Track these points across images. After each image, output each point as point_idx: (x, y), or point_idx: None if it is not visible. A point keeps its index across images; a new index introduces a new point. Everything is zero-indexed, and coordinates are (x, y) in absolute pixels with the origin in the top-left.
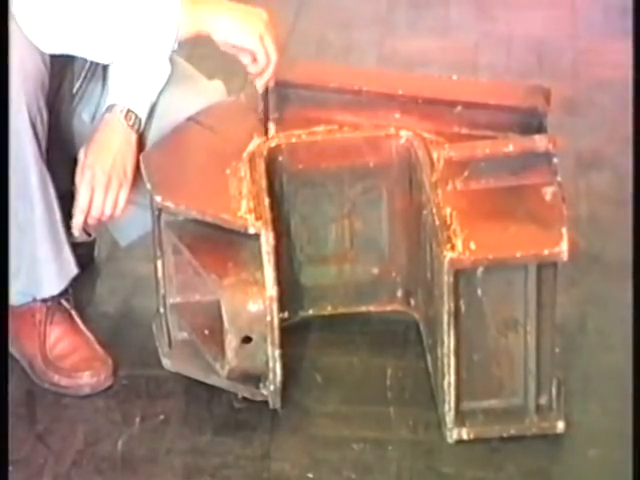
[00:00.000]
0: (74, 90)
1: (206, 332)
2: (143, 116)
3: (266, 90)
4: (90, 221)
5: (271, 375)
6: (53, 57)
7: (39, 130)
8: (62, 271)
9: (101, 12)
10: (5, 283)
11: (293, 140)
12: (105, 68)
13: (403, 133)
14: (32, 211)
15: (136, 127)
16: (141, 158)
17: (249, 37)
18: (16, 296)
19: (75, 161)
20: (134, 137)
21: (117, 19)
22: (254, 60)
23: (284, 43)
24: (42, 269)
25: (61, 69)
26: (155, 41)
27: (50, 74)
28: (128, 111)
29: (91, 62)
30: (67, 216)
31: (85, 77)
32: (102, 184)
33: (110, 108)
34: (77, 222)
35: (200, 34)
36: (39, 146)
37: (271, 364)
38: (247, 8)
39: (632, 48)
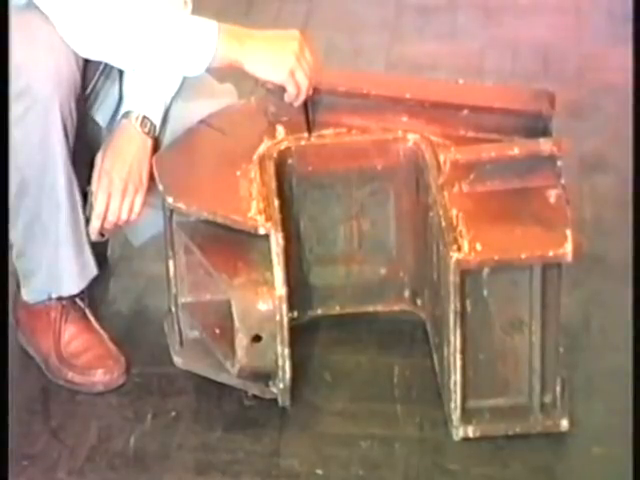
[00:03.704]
0: (87, 92)
1: (217, 331)
2: (158, 122)
3: (305, 102)
4: (107, 226)
5: (280, 373)
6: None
7: (69, 132)
8: (83, 271)
9: (141, 26)
10: (5, 283)
11: (302, 143)
12: (121, 73)
13: (410, 136)
14: (58, 211)
15: (151, 133)
16: (153, 160)
17: (278, 74)
18: (33, 294)
19: (87, 164)
20: (149, 143)
21: (156, 36)
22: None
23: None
24: (63, 268)
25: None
26: (187, 65)
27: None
28: (144, 118)
29: (105, 65)
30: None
31: (98, 80)
32: (119, 190)
33: (126, 115)
34: (94, 227)
35: (232, 66)
36: (68, 148)
37: (280, 362)
38: (279, 39)
39: (632, 52)
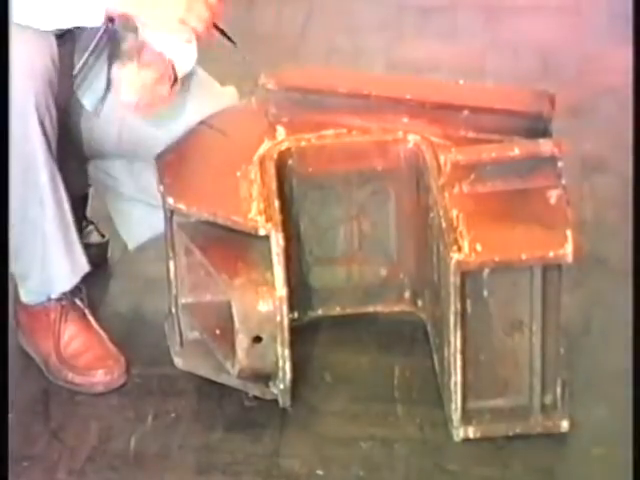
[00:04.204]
0: (74, 72)
1: (217, 332)
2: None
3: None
4: (140, 102)
5: (281, 374)
6: (61, 55)
7: (48, 128)
8: (74, 268)
9: None
10: (5, 283)
11: (303, 144)
12: (110, 57)
13: (411, 137)
14: (42, 209)
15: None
16: (154, 160)
17: (166, 26)
18: (30, 295)
19: (78, 158)
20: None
21: None
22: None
23: (294, 48)
24: (54, 266)
25: (71, 68)
26: (82, 13)
27: (61, 72)
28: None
29: (94, 46)
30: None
31: (86, 61)
32: (167, 74)
33: None
34: (132, 98)
35: (126, 16)
36: (48, 144)
37: (281, 363)
38: None
39: (632, 54)
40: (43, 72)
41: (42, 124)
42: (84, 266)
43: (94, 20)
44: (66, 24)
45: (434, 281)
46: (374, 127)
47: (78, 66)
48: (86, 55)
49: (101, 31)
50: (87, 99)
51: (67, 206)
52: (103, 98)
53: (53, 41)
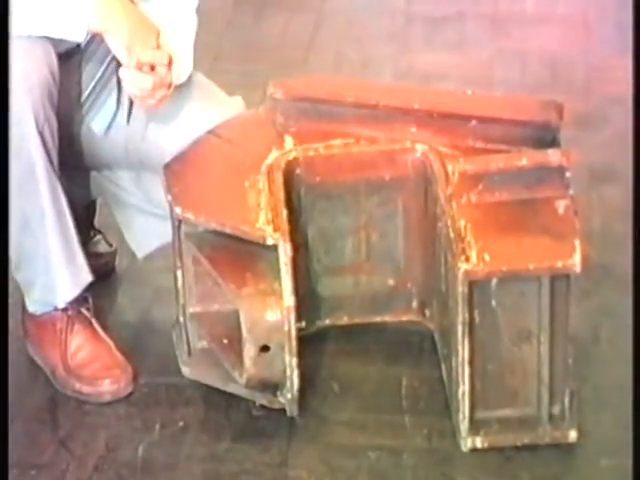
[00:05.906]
0: (82, 99)
1: (225, 341)
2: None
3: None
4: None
5: (288, 383)
6: (68, 68)
7: (47, 139)
8: (76, 278)
9: None
10: (5, 284)
11: (310, 153)
12: (119, 82)
13: (419, 147)
14: (43, 219)
15: None
16: (162, 170)
17: (124, 59)
18: (35, 305)
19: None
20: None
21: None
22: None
23: (303, 58)
24: (55, 276)
25: (78, 81)
26: (66, 26)
27: (67, 85)
28: None
29: (102, 74)
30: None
31: (95, 87)
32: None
33: None
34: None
35: (101, 35)
36: (48, 154)
37: (288, 373)
38: (141, 23)
39: (632, 63)
40: (41, 84)
41: (41, 134)
42: (87, 277)
43: (77, 35)
44: (51, 33)
45: (442, 291)
46: (382, 137)
47: (86, 93)
48: (94, 82)
49: (109, 58)
50: (96, 124)
51: (69, 217)
52: (112, 121)
53: (52, 54)
